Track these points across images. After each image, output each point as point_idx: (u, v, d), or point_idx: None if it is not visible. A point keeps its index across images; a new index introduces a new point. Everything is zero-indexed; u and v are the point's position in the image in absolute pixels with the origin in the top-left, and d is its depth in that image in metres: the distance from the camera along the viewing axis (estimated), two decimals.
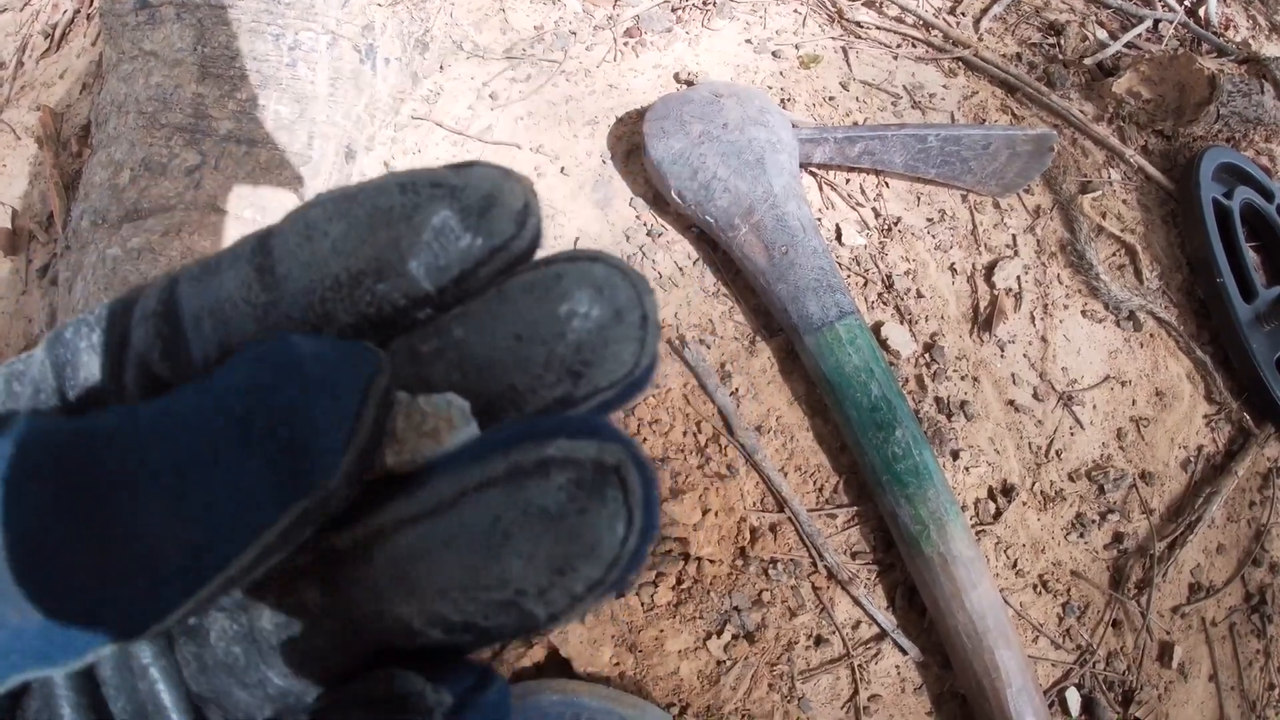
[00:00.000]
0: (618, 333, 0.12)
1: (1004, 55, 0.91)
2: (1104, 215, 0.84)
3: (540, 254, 0.14)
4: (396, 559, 0.12)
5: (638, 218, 0.72)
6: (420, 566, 0.11)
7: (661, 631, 0.59)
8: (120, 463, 0.12)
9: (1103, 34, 0.96)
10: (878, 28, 0.88)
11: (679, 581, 0.60)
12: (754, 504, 0.64)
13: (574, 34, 0.80)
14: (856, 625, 0.63)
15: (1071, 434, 0.73)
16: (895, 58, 0.87)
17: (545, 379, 0.12)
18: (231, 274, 0.13)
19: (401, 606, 0.12)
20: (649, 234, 0.71)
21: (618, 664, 0.58)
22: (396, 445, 0.12)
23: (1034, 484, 0.71)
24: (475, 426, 0.13)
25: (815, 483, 0.66)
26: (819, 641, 0.62)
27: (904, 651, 0.63)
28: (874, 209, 0.77)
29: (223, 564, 0.11)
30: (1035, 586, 0.68)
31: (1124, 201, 0.86)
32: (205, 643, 0.13)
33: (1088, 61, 0.92)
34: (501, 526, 0.11)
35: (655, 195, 0.73)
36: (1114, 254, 0.83)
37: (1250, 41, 1.04)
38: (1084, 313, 0.79)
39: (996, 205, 0.81)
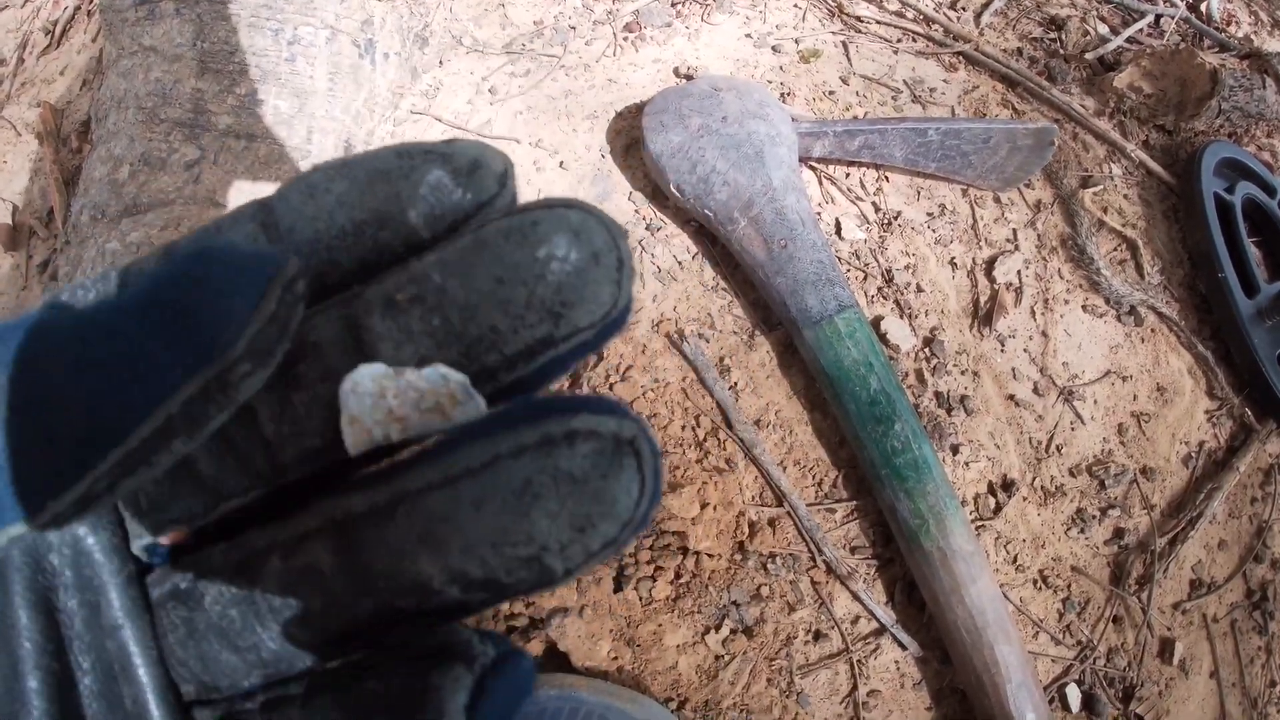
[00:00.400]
0: (596, 275, 0.13)
1: (1005, 50, 0.91)
2: (1105, 210, 0.84)
3: None
4: (423, 518, 0.12)
5: (636, 212, 0.72)
6: (448, 525, 0.12)
7: (660, 626, 0.59)
8: (51, 353, 0.12)
9: (1104, 29, 0.96)
10: (878, 22, 0.88)
11: (677, 576, 0.60)
12: (753, 498, 0.64)
13: (573, 29, 0.80)
14: (855, 620, 0.63)
15: (1072, 429, 0.73)
16: (896, 52, 0.86)
17: (527, 319, 0.13)
18: (235, 231, 0.14)
19: (424, 564, 0.12)
20: (648, 228, 0.71)
21: (616, 659, 0.58)
22: (398, 424, 0.13)
23: (1034, 479, 0.70)
24: (481, 400, 0.13)
25: (814, 477, 0.66)
26: (818, 636, 0.62)
27: (903, 646, 0.63)
28: (874, 203, 0.77)
29: (119, 439, 0.11)
30: (1035, 582, 0.67)
31: (1125, 196, 0.86)
32: (198, 607, 0.14)
33: (1089, 56, 0.92)
34: (532, 488, 0.12)
35: (654, 189, 0.73)
36: (1115, 249, 0.83)
37: (1252, 37, 1.03)
38: (1085, 307, 0.78)
39: (997, 200, 0.81)
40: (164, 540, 0.15)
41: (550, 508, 0.12)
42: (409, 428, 0.13)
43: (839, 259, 0.73)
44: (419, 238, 0.14)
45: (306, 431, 0.14)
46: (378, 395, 0.13)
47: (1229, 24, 1.03)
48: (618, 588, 0.59)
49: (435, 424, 0.13)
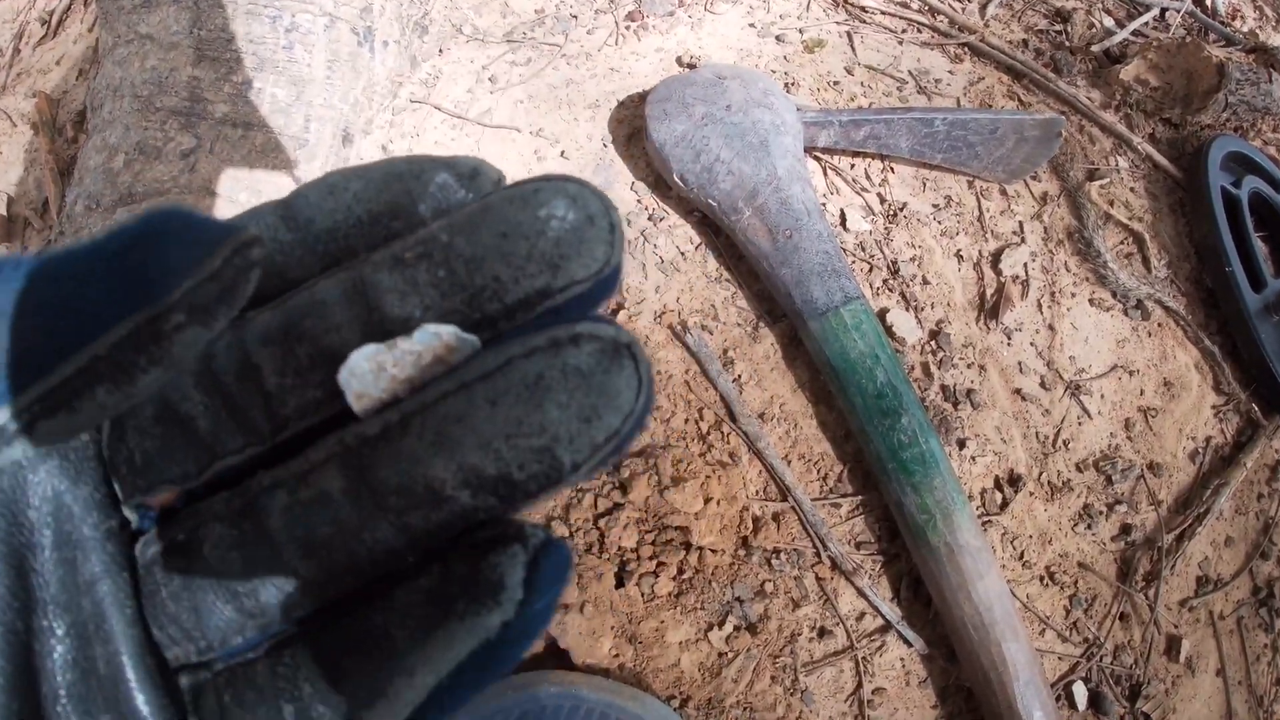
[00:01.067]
0: (591, 234, 0.14)
1: (1010, 41, 0.90)
2: (1111, 203, 0.83)
3: None
4: (438, 423, 0.13)
5: (639, 202, 0.71)
6: (462, 425, 0.13)
7: (662, 622, 0.58)
8: (23, 293, 0.13)
9: (1109, 21, 0.95)
10: (882, 12, 0.87)
11: (680, 571, 0.59)
12: (756, 493, 0.63)
13: (575, 17, 0.79)
14: (861, 617, 0.62)
15: (1079, 423, 0.72)
16: (900, 43, 0.86)
17: (528, 270, 0.14)
18: (254, 222, 0.15)
19: (438, 468, 0.13)
20: (650, 218, 0.70)
21: (617, 655, 0.57)
22: (404, 384, 0.14)
23: (1041, 474, 0.69)
24: (475, 339, 0.14)
25: (819, 471, 0.65)
26: (822, 633, 0.61)
27: (909, 643, 0.62)
28: (879, 194, 0.76)
29: (44, 371, 0.12)
30: (1042, 578, 0.67)
31: (1131, 189, 0.85)
32: (196, 556, 0.14)
33: (1095, 48, 0.91)
34: (544, 382, 0.13)
35: (657, 179, 0.72)
36: (1122, 242, 0.82)
37: (1257, 31, 1.02)
38: (1091, 301, 0.77)
39: (1003, 192, 0.80)
40: (153, 501, 0.15)
41: (560, 399, 0.13)
42: (414, 382, 0.14)
43: (844, 250, 0.72)
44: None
45: (309, 383, 0.14)
46: (377, 370, 0.14)
47: (1234, 18, 1.02)
48: (619, 584, 0.58)
49: (439, 372, 0.14)
